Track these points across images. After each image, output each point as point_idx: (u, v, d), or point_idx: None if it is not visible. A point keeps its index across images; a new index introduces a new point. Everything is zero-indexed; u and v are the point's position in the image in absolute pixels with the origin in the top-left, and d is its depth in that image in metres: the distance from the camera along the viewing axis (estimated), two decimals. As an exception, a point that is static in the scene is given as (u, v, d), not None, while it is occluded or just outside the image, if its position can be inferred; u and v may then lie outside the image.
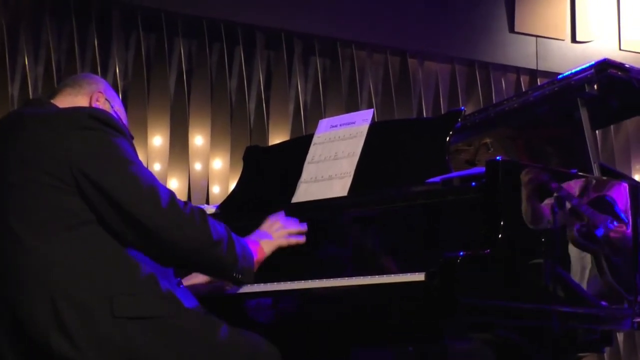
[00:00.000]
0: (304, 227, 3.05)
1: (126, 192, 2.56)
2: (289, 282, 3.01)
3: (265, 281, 3.05)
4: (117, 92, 5.50)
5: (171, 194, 2.64)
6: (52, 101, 2.81)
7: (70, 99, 2.83)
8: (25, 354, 2.52)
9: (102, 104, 2.86)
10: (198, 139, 5.81)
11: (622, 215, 3.12)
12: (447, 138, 3.09)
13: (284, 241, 3.00)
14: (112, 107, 2.89)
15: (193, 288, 2.90)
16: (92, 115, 2.62)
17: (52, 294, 2.48)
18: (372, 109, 3.36)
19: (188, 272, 3.02)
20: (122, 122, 2.75)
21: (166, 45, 5.73)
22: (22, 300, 2.51)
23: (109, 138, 2.60)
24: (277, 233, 2.99)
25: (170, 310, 2.56)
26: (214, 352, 2.58)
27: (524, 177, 2.85)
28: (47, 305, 2.47)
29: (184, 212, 2.63)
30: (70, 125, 2.59)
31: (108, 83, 2.98)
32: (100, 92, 2.87)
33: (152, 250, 2.63)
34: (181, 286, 2.77)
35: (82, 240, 2.53)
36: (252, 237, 2.94)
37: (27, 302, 2.50)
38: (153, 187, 2.60)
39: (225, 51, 5.87)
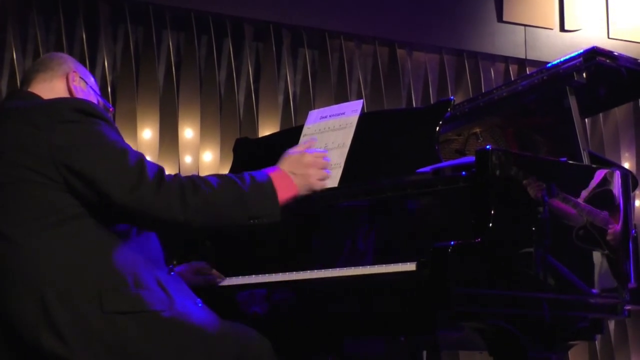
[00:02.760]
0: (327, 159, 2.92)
1: (111, 177, 2.53)
2: (280, 274, 3.01)
3: (256, 273, 3.05)
4: (106, 85, 5.52)
5: (159, 171, 2.60)
6: (29, 90, 2.78)
7: (46, 85, 2.79)
8: (16, 353, 2.50)
9: (78, 83, 2.83)
10: (188, 132, 5.80)
11: (614, 202, 3.13)
12: (437, 128, 3.09)
13: (317, 183, 2.87)
14: (87, 84, 2.86)
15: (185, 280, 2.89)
16: (73, 107, 2.59)
17: (41, 291, 2.46)
18: (362, 100, 3.36)
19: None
20: (101, 107, 2.71)
21: (154, 38, 5.72)
22: (11, 299, 2.49)
23: (93, 128, 2.57)
24: (311, 169, 2.85)
25: (160, 303, 2.54)
26: (204, 345, 2.57)
27: (514, 166, 2.86)
28: (36, 303, 2.45)
29: (173, 185, 2.58)
30: (53, 119, 2.56)
31: (74, 58, 2.94)
32: (74, 71, 2.84)
33: (153, 229, 2.63)
34: (172, 274, 2.75)
35: (70, 236, 2.51)
36: (281, 170, 2.81)
37: (17, 300, 2.48)
38: (140, 167, 2.56)
39: (214, 43, 5.85)
